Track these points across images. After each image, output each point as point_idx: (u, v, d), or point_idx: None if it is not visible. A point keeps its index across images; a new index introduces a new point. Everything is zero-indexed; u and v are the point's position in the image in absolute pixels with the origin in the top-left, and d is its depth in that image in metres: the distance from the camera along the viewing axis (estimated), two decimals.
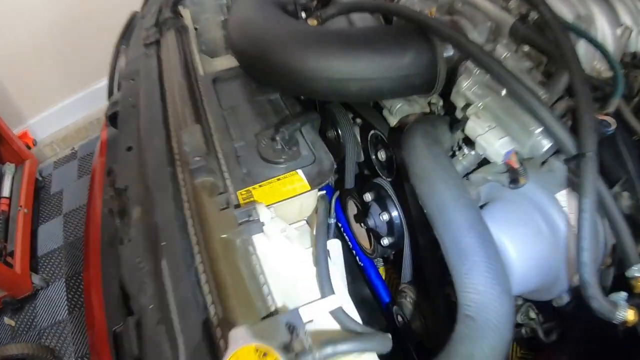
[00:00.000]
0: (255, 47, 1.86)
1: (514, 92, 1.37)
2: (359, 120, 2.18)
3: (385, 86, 1.65)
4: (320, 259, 1.49)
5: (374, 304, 2.38)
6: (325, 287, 1.42)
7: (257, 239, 1.48)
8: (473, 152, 1.66)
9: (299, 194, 1.65)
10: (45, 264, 4.51)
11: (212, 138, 1.83)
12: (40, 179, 5.21)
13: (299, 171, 1.69)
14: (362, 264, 2.36)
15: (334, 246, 1.68)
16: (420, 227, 1.86)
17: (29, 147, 5.11)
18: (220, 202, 1.54)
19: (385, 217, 1.97)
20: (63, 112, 5.68)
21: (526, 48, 1.58)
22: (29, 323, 4.10)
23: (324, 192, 1.76)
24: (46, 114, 5.64)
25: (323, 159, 1.73)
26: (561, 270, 1.50)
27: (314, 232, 1.62)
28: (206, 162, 1.62)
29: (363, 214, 2.13)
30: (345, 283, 1.60)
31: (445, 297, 1.84)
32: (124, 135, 2.05)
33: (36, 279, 4.13)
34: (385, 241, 2.03)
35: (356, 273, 2.48)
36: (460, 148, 1.70)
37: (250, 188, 1.65)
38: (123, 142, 2.00)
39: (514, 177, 1.51)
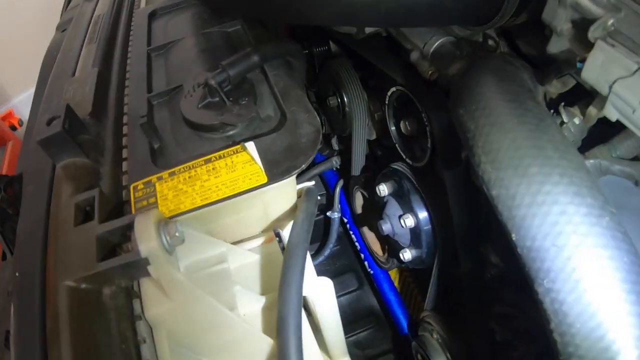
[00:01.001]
0: None
1: None
2: (370, 83, 1.24)
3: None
4: (287, 325, 0.57)
5: (381, 318, 1.48)
6: None
7: (149, 287, 0.61)
8: (578, 121, 0.74)
9: (243, 192, 0.68)
10: None
11: (117, 90, 0.90)
12: None
13: (250, 146, 0.71)
14: (371, 271, 1.44)
15: (321, 293, 0.77)
16: (468, 240, 0.95)
17: (14, 128, 4.04)
18: (81, 206, 0.62)
19: (410, 221, 1.03)
20: None
21: None
22: None
23: (311, 183, 0.81)
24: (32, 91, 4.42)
25: (300, 122, 0.76)
26: None
27: (284, 264, 0.70)
28: (76, 129, 0.71)
29: (375, 213, 1.22)
30: None
31: (489, 334, 1.00)
32: (38, 102, 1.09)
33: None
34: (407, 255, 1.09)
35: (362, 277, 1.57)
36: (554, 114, 0.75)
37: (153, 178, 0.70)
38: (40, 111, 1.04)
39: None
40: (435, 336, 1.12)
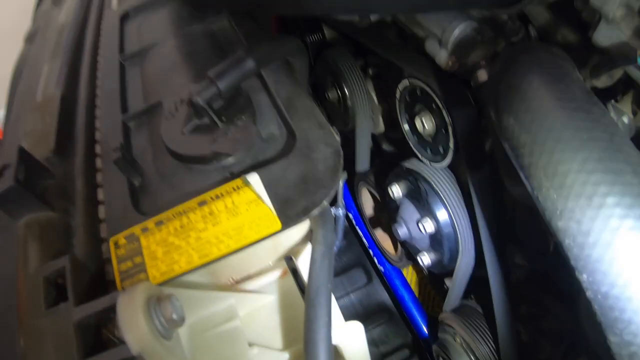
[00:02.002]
0: None
1: None
2: (372, 72, 1.11)
3: None
4: None
5: (393, 313, 1.35)
6: None
7: None
8: (627, 120, 0.61)
9: (251, 243, 0.53)
10: None
11: (86, 113, 0.75)
12: None
13: (254, 180, 0.56)
14: (381, 268, 1.32)
15: (351, 340, 0.64)
16: (494, 242, 0.81)
17: None
18: (50, 279, 0.48)
19: (429, 226, 0.90)
20: None
21: None
22: None
23: (324, 204, 0.70)
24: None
25: (314, 142, 0.60)
26: None
27: (306, 316, 0.56)
28: (35, 176, 0.57)
29: (385, 212, 1.09)
30: None
31: (515, 336, 0.89)
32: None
33: None
34: (426, 259, 0.97)
35: (370, 271, 1.45)
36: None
37: (136, 229, 0.56)
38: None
39: None
40: (458, 340, 1.02)
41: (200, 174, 0.61)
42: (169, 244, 0.54)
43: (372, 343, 1.35)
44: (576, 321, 0.86)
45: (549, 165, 0.48)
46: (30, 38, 1.17)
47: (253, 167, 0.57)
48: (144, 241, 0.55)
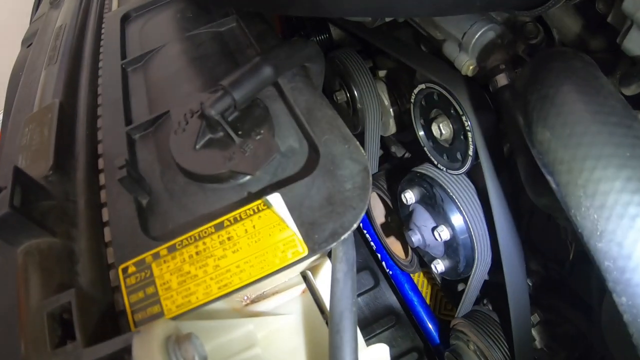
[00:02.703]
0: None
1: None
2: (381, 73, 1.07)
3: None
4: None
5: (401, 316, 1.33)
6: None
7: None
8: None
9: (276, 271, 0.48)
10: None
11: (87, 124, 0.69)
12: None
13: (276, 201, 0.50)
14: (390, 272, 1.28)
15: None
16: (512, 249, 0.78)
17: None
18: (55, 315, 0.43)
19: (445, 234, 0.86)
20: None
21: None
22: None
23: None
24: None
25: (339, 158, 0.53)
26: None
27: (331, 344, 0.52)
28: (33, 199, 0.52)
29: (396, 219, 1.06)
30: None
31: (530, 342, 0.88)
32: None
33: None
34: (440, 266, 0.93)
35: (377, 273, 1.41)
36: None
37: (147, 256, 0.50)
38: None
39: None
40: (471, 347, 0.99)
41: (214, 193, 0.55)
42: (185, 273, 0.49)
43: None
44: (591, 328, 0.83)
45: (589, 183, 0.44)
46: (27, 41, 1.09)
47: (273, 186, 0.53)
48: (156, 269, 0.51)
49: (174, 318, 0.49)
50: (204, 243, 0.50)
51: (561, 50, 0.58)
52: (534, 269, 0.92)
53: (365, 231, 1.25)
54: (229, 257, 0.48)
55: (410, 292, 1.19)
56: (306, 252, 0.47)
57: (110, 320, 0.50)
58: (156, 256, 0.52)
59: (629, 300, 0.42)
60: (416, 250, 1.01)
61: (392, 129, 1.01)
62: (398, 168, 1.08)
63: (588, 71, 0.50)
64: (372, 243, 1.25)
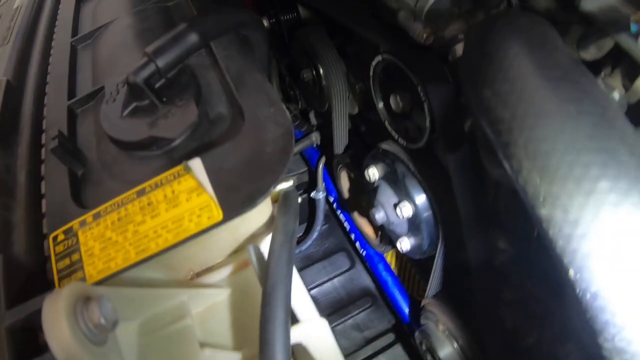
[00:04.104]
0: None
1: None
2: (349, 50, 1.00)
3: None
4: None
5: (377, 298, 1.29)
6: None
7: None
8: (617, 96, 0.51)
9: (190, 237, 0.44)
10: None
11: (34, 101, 0.66)
12: None
13: (196, 166, 0.45)
14: (363, 252, 1.24)
15: (314, 338, 0.56)
16: (475, 226, 0.74)
17: None
18: None
19: (407, 210, 0.82)
20: None
21: None
22: None
23: (289, 184, 0.58)
24: None
25: (263, 122, 0.49)
26: None
27: (262, 316, 0.48)
28: None
29: (364, 196, 1.01)
30: None
31: (499, 322, 0.82)
32: None
33: None
34: (405, 244, 0.89)
35: (353, 255, 1.37)
36: None
37: (75, 224, 0.46)
38: None
39: None
40: (440, 327, 0.94)
41: (142, 161, 0.52)
42: (107, 239, 0.45)
43: (356, 328, 1.28)
44: (563, 307, 0.78)
45: (530, 143, 0.39)
46: None
47: (198, 151, 0.48)
48: (81, 237, 0.47)
49: (97, 283, 0.45)
50: (126, 209, 0.46)
51: (510, 11, 0.54)
52: (502, 247, 0.87)
53: (338, 212, 1.21)
54: (148, 222, 0.44)
55: (383, 272, 1.15)
56: (221, 217, 0.42)
57: (42, 288, 0.47)
58: (82, 223, 0.48)
59: (577, 273, 0.37)
60: (382, 228, 0.96)
61: (359, 106, 0.96)
62: (367, 146, 1.03)
63: (534, 28, 0.45)
64: (345, 223, 1.20)
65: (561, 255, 0.38)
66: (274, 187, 0.42)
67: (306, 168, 1.26)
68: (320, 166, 1.17)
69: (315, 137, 1.17)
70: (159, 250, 0.43)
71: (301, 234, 1.32)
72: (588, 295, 0.36)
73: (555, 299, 0.79)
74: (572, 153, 0.37)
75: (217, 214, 0.43)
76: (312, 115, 1.19)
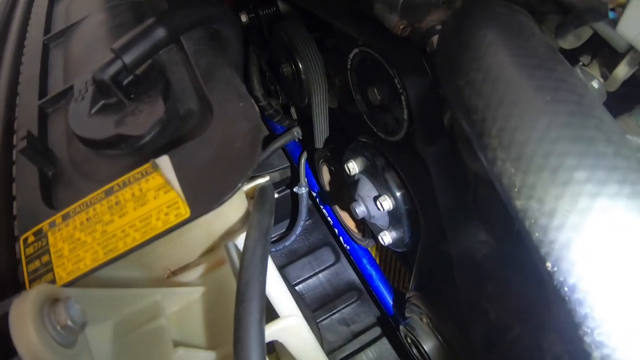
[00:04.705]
0: None
1: None
2: (328, 44, 0.99)
3: None
4: None
5: (363, 291, 1.29)
6: None
7: None
8: (597, 84, 0.50)
9: (157, 235, 0.42)
10: None
11: (6, 100, 0.64)
12: None
13: (163, 164, 0.43)
14: (347, 247, 1.22)
15: (289, 335, 0.54)
16: (456, 218, 0.73)
17: None
18: None
19: (387, 203, 0.80)
20: None
21: None
22: None
23: (264, 180, 0.57)
24: None
25: (232, 117, 0.47)
26: None
27: (236, 313, 0.46)
28: None
29: (346, 190, 0.99)
30: None
31: (483, 314, 0.79)
32: None
33: None
34: (387, 238, 0.87)
35: (338, 250, 1.35)
36: None
37: (44, 225, 0.45)
38: None
39: None
40: (424, 320, 0.93)
41: (111, 159, 0.50)
42: (75, 239, 0.43)
43: (343, 322, 1.27)
44: (543, 299, 0.77)
45: (504, 133, 0.37)
46: None
47: (167, 148, 0.46)
48: (51, 238, 0.45)
49: (67, 284, 0.43)
50: (94, 209, 0.44)
51: (487, 0, 0.52)
52: (484, 240, 0.86)
53: (322, 206, 1.19)
54: (116, 222, 0.42)
55: (368, 266, 1.13)
56: (189, 214, 0.40)
57: (13, 291, 0.45)
58: (52, 225, 0.46)
59: (554, 266, 0.35)
60: (364, 222, 0.95)
61: (339, 100, 0.94)
62: (348, 140, 1.02)
63: (511, 16, 0.44)
64: (329, 219, 1.18)
65: (538, 247, 0.36)
66: (242, 183, 0.40)
67: (289, 163, 1.24)
68: (303, 161, 1.15)
69: (296, 132, 1.15)
70: (127, 249, 0.41)
71: (284, 230, 1.31)
72: (566, 288, 0.35)
73: (536, 292, 0.78)
74: (548, 142, 0.36)
75: (185, 211, 0.41)
76: (293, 110, 1.17)
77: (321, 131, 0.98)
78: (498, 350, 0.77)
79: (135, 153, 0.49)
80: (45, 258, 0.45)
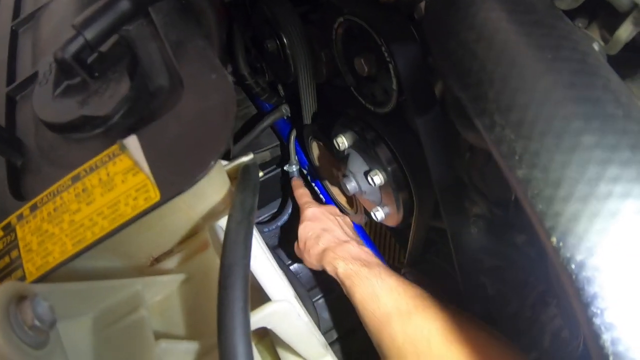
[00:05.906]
0: None
1: None
2: (313, 16, 0.94)
3: None
4: None
5: None
6: None
7: None
8: (597, 47, 0.44)
9: (127, 222, 0.37)
10: None
11: None
12: None
13: (131, 144, 0.39)
14: None
15: (278, 321, 0.50)
16: (450, 192, 0.69)
17: None
18: None
19: (378, 178, 0.76)
20: None
21: None
22: None
23: (248, 158, 0.52)
24: None
25: (203, 89, 0.42)
26: None
27: (219, 300, 0.40)
28: None
29: (335, 166, 0.95)
30: None
31: (481, 289, 0.80)
32: None
33: None
34: (379, 214, 0.83)
35: None
36: None
37: (12, 218, 0.39)
38: None
39: None
40: None
41: (79, 143, 0.45)
42: (44, 232, 0.39)
43: (339, 300, 1.23)
44: (543, 270, 0.74)
45: (502, 95, 0.33)
46: None
47: (137, 128, 0.41)
48: (19, 231, 0.41)
49: (37, 280, 0.39)
50: (61, 198, 0.40)
51: None
52: (479, 213, 0.82)
53: (313, 184, 1.15)
54: (83, 210, 0.38)
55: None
56: (159, 197, 0.36)
57: None
58: (20, 217, 0.42)
59: (559, 241, 0.31)
60: (356, 198, 0.91)
61: (326, 74, 0.89)
62: (337, 115, 0.98)
63: None
64: (321, 196, 1.14)
65: (541, 220, 0.32)
66: (215, 161, 0.36)
67: (278, 142, 1.20)
68: (292, 138, 1.11)
69: (285, 109, 1.11)
70: (95, 239, 0.37)
71: (276, 210, 1.27)
72: (573, 265, 0.31)
73: (534, 265, 0.75)
74: (551, 104, 0.31)
75: (155, 194, 0.37)
76: (280, 88, 1.12)
77: (309, 107, 0.94)
78: (499, 324, 0.74)
79: (104, 135, 0.45)
80: (14, 253, 0.41)
